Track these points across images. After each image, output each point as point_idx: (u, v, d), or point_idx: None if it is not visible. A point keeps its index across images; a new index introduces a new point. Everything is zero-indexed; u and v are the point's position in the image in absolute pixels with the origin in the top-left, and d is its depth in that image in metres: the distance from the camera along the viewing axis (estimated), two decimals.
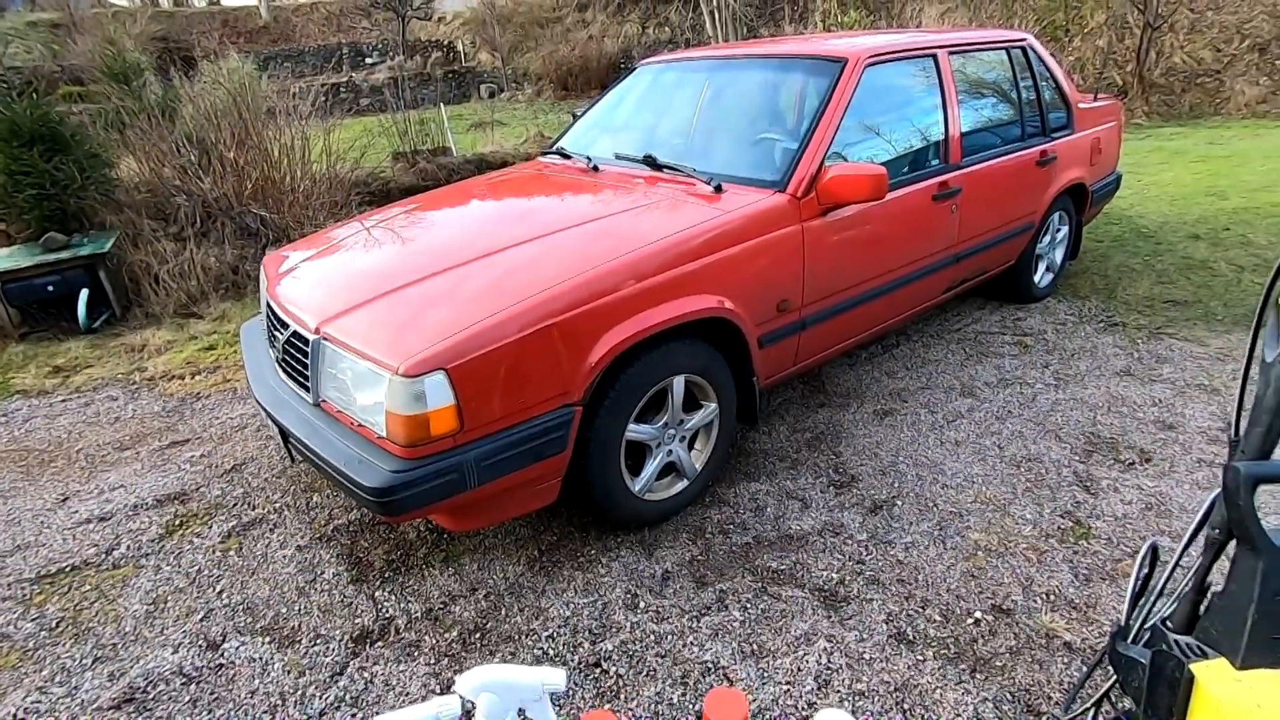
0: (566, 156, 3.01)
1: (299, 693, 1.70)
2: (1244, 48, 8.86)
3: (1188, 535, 1.17)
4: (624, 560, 2.07)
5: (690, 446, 2.26)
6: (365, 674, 1.74)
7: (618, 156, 2.80)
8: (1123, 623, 1.23)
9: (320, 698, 1.68)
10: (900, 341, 3.37)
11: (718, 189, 2.31)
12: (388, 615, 1.92)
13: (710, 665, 1.71)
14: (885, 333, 3.08)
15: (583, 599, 1.94)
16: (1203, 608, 1.09)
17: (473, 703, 0.64)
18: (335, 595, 2.00)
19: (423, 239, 2.43)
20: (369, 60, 15.63)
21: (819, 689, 1.64)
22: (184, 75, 5.77)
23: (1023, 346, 3.26)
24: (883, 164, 2.46)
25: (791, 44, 3.06)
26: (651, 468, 2.14)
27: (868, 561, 2.02)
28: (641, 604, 1.91)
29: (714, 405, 2.23)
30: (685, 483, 2.24)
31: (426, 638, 1.84)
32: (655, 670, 1.71)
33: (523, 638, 1.82)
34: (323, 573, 2.09)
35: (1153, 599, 1.24)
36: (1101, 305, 3.63)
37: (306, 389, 1.96)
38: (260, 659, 1.80)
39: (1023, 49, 3.32)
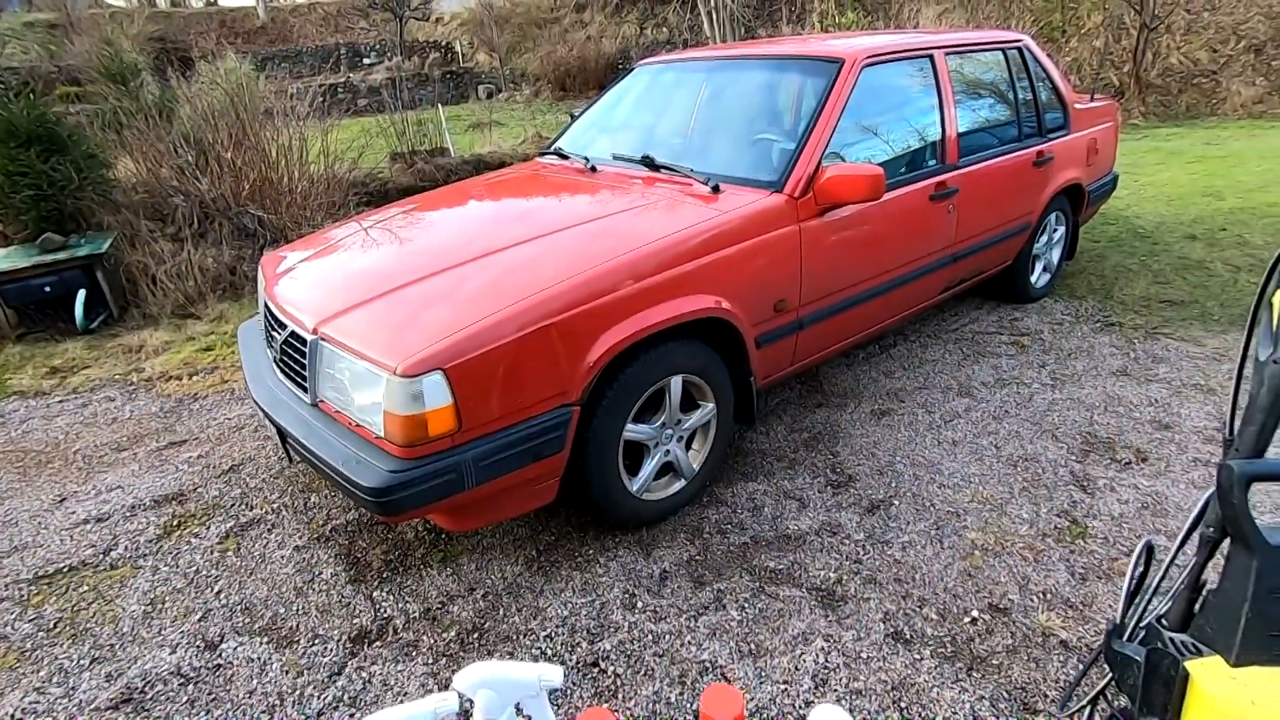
0: (564, 157, 3.02)
1: (297, 693, 1.70)
2: (1240, 48, 8.88)
3: (1182, 534, 1.17)
4: (622, 560, 2.07)
5: (688, 446, 2.26)
6: (363, 674, 1.74)
7: (615, 157, 2.80)
8: (1118, 621, 1.24)
9: (318, 698, 1.68)
10: (898, 341, 3.37)
11: (715, 189, 2.32)
12: (386, 615, 1.92)
13: (708, 664, 1.72)
14: (883, 333, 3.08)
15: (581, 599, 1.94)
16: (1197, 606, 1.09)
17: (471, 699, 0.64)
18: (333, 595, 2.00)
19: (421, 239, 2.43)
20: (367, 61, 15.62)
21: (816, 688, 1.65)
22: (181, 76, 5.77)
23: (1020, 346, 3.27)
24: (880, 164, 2.48)
25: (789, 44, 3.06)
26: (649, 468, 2.14)
27: (865, 561, 2.02)
28: (639, 604, 1.91)
29: (711, 405, 2.23)
30: (683, 482, 2.24)
31: (424, 638, 1.84)
32: (653, 670, 1.71)
33: (521, 638, 1.83)
34: (321, 573, 2.09)
35: (1148, 597, 1.25)
36: (1098, 305, 3.64)
37: (304, 389, 1.97)
38: (258, 659, 1.80)
39: (1019, 49, 3.33)
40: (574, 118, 3.42)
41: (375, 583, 2.04)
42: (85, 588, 2.08)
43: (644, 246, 1.99)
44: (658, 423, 2.11)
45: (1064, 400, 2.79)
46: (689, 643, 1.78)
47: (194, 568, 2.14)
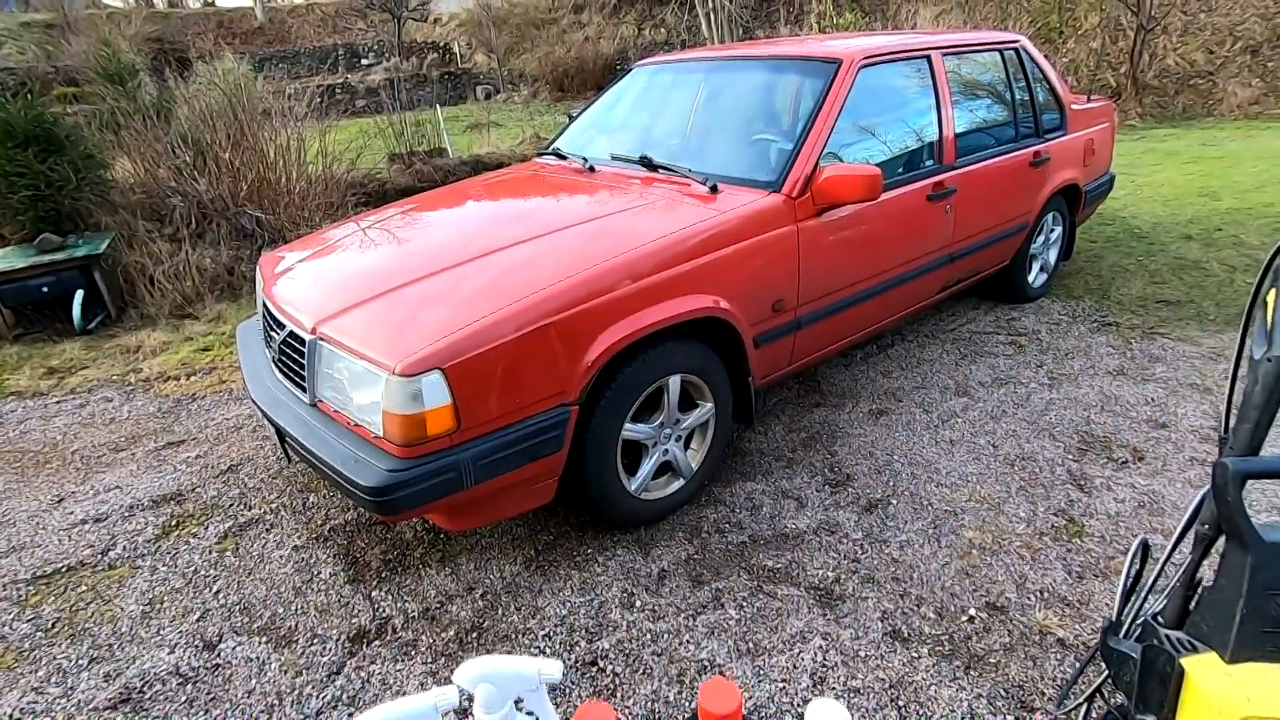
0: (563, 157, 3.02)
1: (296, 692, 1.70)
2: (1236, 50, 8.91)
3: (1178, 531, 1.18)
4: (620, 559, 2.08)
5: (686, 446, 2.27)
6: (362, 673, 1.74)
7: (614, 157, 2.81)
8: (1114, 618, 1.25)
9: (317, 697, 1.69)
10: (895, 341, 3.38)
11: (713, 189, 2.32)
12: (384, 615, 1.92)
13: (706, 663, 1.72)
14: (880, 333, 3.09)
15: (579, 598, 1.94)
16: (1193, 603, 1.10)
17: (471, 693, 0.64)
18: (332, 595, 2.00)
19: (419, 239, 2.43)
20: (365, 61, 15.62)
21: (814, 686, 1.65)
22: (179, 76, 5.76)
23: (1017, 346, 3.28)
24: (877, 164, 2.49)
25: (787, 45, 3.07)
26: (648, 467, 2.14)
27: (863, 560, 2.03)
28: (638, 603, 1.92)
29: (710, 405, 2.23)
30: (681, 482, 2.25)
31: (423, 637, 1.84)
32: (651, 668, 1.71)
33: (519, 637, 1.83)
34: (319, 573, 2.09)
35: (1144, 595, 1.25)
36: (1095, 305, 3.65)
37: (303, 389, 1.97)
38: (257, 659, 1.80)
39: (1016, 50, 3.34)
40: (572, 118, 3.42)
41: (374, 582, 2.04)
42: (83, 588, 2.08)
43: (642, 246, 1.99)
44: (656, 422, 2.12)
45: (1061, 400, 2.80)
46: (687, 641, 1.78)
47: (192, 568, 2.14)
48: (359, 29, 17.29)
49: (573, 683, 1.69)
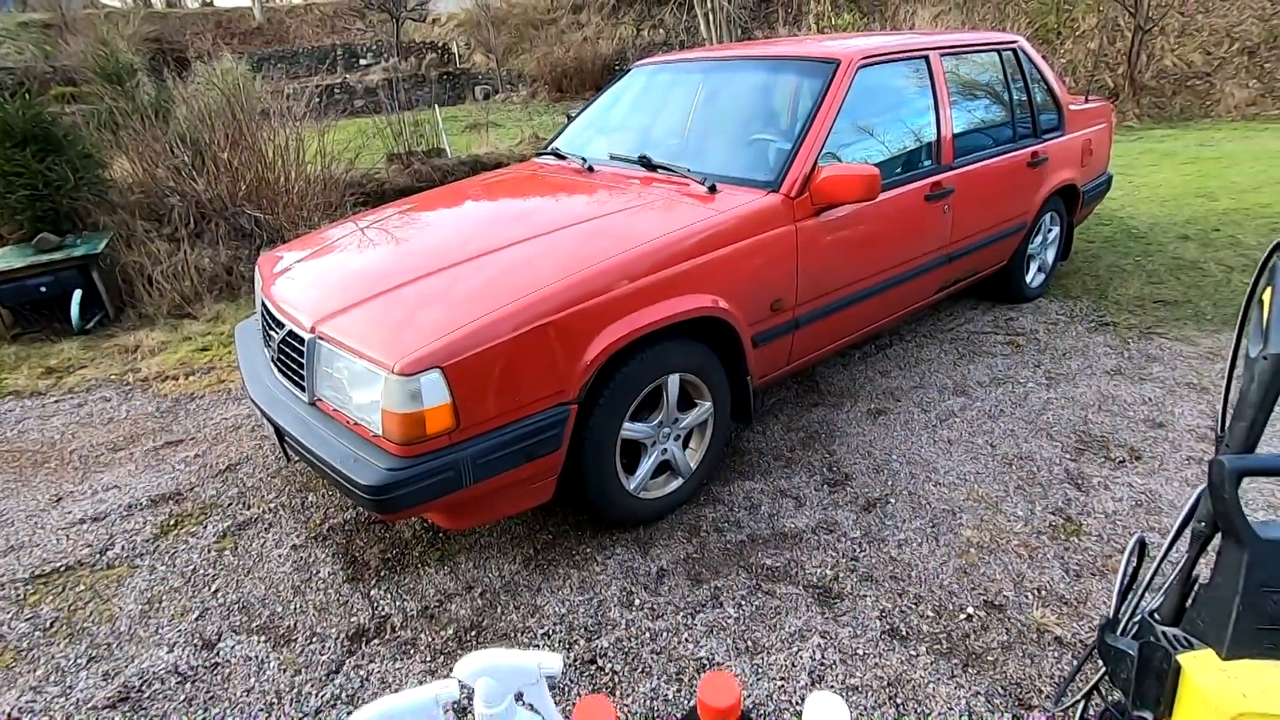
0: (561, 157, 3.03)
1: (295, 691, 1.70)
2: (1234, 51, 8.94)
3: (1175, 529, 1.19)
4: (619, 558, 2.08)
5: (685, 445, 2.27)
6: (361, 672, 1.74)
7: (612, 157, 2.81)
8: (1111, 615, 1.25)
9: (316, 696, 1.69)
10: (893, 341, 3.39)
11: (712, 189, 2.33)
12: (383, 614, 1.92)
13: (705, 661, 1.72)
14: (878, 332, 3.10)
15: (578, 596, 1.95)
16: (1189, 600, 1.10)
17: (471, 687, 0.65)
18: (331, 594, 2.00)
19: (418, 239, 2.44)
20: (363, 62, 15.61)
21: (813, 684, 1.66)
22: (177, 76, 5.75)
23: (1014, 346, 3.29)
24: (876, 165, 2.49)
25: (785, 46, 3.07)
26: (646, 466, 2.14)
27: (861, 559, 2.03)
28: (637, 601, 1.92)
29: (708, 404, 2.24)
30: (680, 481, 2.25)
31: (422, 636, 1.84)
32: (650, 667, 1.71)
33: (519, 635, 1.83)
34: (318, 571, 2.09)
35: (1141, 592, 1.26)
36: (1092, 305, 3.66)
37: (302, 388, 1.97)
38: (256, 658, 1.80)
39: (1014, 51, 3.35)
40: (571, 118, 3.43)
41: (373, 581, 2.04)
42: (82, 587, 2.08)
43: (641, 246, 2.00)
44: (655, 421, 2.12)
45: (1059, 399, 2.81)
46: (686, 640, 1.79)
47: (191, 567, 2.14)
48: (357, 29, 17.28)
49: (572, 681, 1.69)
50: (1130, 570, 1.27)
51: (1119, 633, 1.21)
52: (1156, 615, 1.14)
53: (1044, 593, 1.88)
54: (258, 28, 17.28)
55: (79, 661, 1.82)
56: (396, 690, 1.68)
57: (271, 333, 2.16)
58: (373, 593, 1.99)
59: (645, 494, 2.17)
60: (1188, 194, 5.44)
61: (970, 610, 1.84)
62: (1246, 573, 0.96)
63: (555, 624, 1.86)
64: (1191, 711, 0.98)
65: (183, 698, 1.70)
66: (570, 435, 1.89)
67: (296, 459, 2.06)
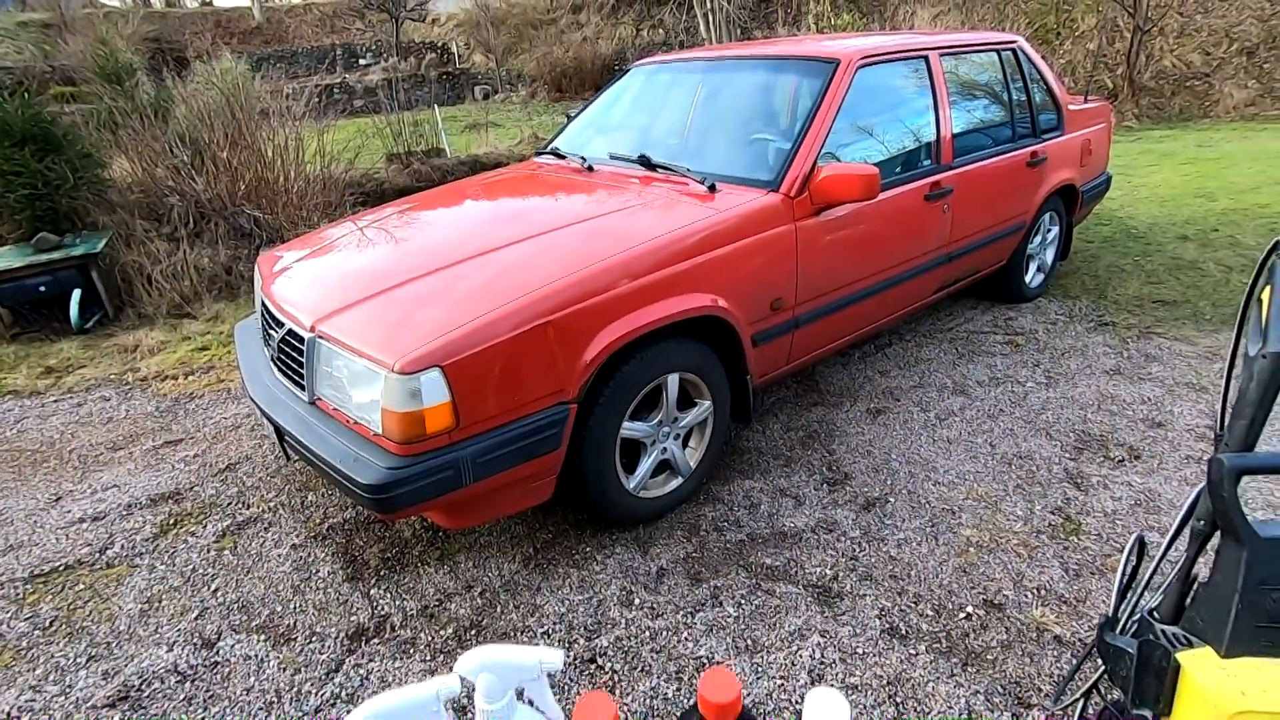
0: (561, 156, 3.03)
1: (294, 690, 1.70)
2: (1232, 51, 8.95)
3: (1174, 527, 1.19)
4: (619, 557, 2.08)
5: (685, 444, 2.27)
6: (361, 671, 1.74)
7: (612, 156, 2.81)
8: (1111, 614, 1.25)
9: (316, 694, 1.69)
10: (893, 341, 3.39)
11: (712, 188, 2.33)
12: (383, 613, 1.92)
13: (705, 660, 1.72)
14: (878, 332, 3.10)
15: (578, 595, 1.95)
16: (1188, 598, 1.10)
17: (472, 682, 0.65)
18: (330, 593, 2.00)
19: (418, 238, 2.44)
20: (363, 61, 15.61)
21: (813, 683, 1.66)
22: (176, 76, 5.75)
23: (1014, 345, 3.29)
24: (875, 164, 2.49)
25: (785, 45, 3.08)
26: (646, 465, 2.15)
27: (861, 558, 2.03)
28: (636, 600, 1.92)
29: (708, 403, 2.24)
30: (680, 480, 2.25)
31: (422, 635, 1.84)
32: (650, 666, 1.72)
33: (518, 634, 1.83)
34: (318, 571, 2.09)
35: (1140, 590, 1.26)
36: (1092, 305, 3.67)
37: (302, 387, 1.97)
38: (255, 656, 1.80)
39: (1013, 51, 3.35)
40: (570, 118, 3.43)
41: (372, 580, 2.04)
42: (81, 586, 2.08)
43: (640, 245, 2.00)
44: (655, 420, 2.12)
45: (1058, 399, 2.81)
46: (686, 639, 1.79)
47: (190, 566, 2.14)
48: (357, 29, 17.28)
49: (571, 679, 1.69)
50: (1130, 569, 1.28)
51: (1118, 631, 1.21)
52: (1156, 613, 1.14)
53: (1043, 592, 1.88)
54: (257, 27, 17.27)
55: (78, 660, 1.82)
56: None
57: (271, 332, 2.16)
58: (372, 592, 1.99)
59: (645, 493, 2.17)
60: (1186, 194, 5.45)
61: (970, 609, 1.84)
62: (1245, 571, 0.96)
63: (555, 623, 1.86)
64: (1191, 709, 0.98)
65: (182, 697, 1.70)
66: (570, 434, 1.89)
67: (296, 458, 2.06)
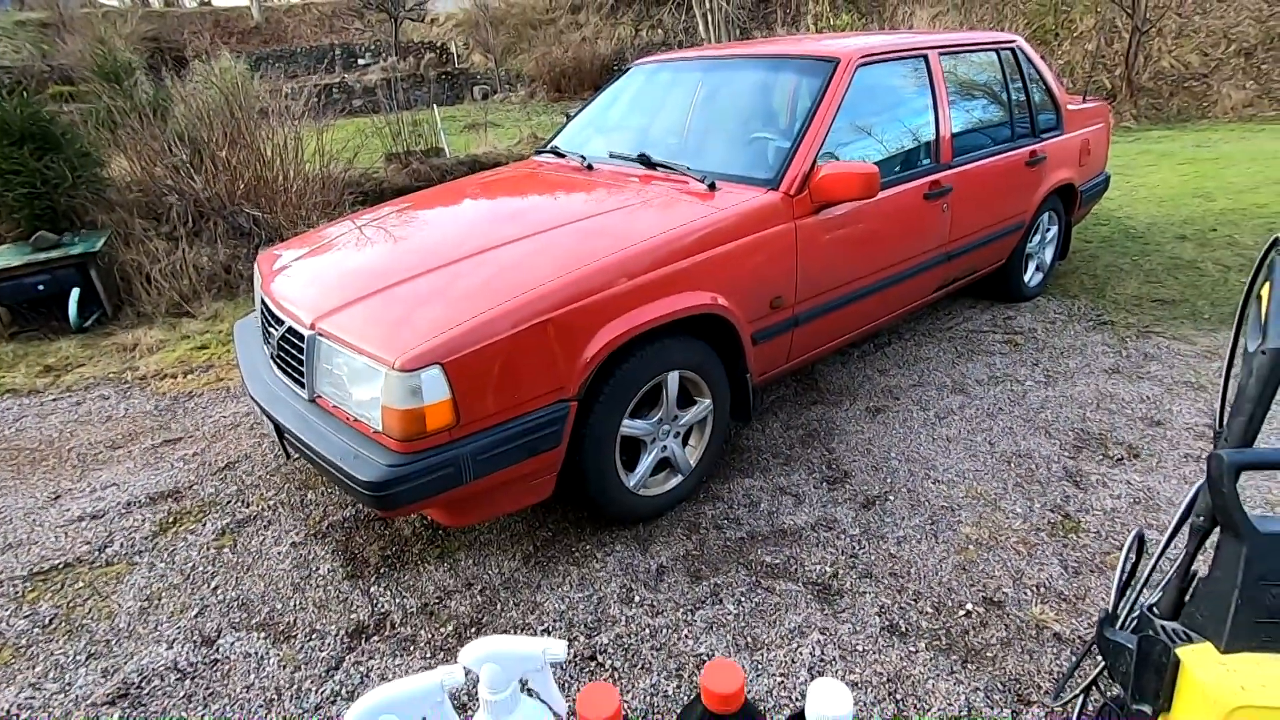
0: (561, 155, 3.03)
1: (294, 687, 1.70)
2: (1230, 52, 8.96)
3: (1173, 523, 1.19)
4: (619, 555, 2.08)
5: (684, 442, 2.27)
6: (361, 668, 1.74)
7: (612, 155, 2.81)
8: (1110, 610, 1.25)
9: (316, 692, 1.69)
10: (892, 339, 3.39)
11: (711, 187, 2.33)
12: (383, 610, 1.92)
13: (705, 658, 1.72)
14: (877, 330, 3.10)
15: (578, 593, 1.95)
16: (1188, 594, 1.11)
17: (476, 673, 0.65)
18: (330, 591, 2.00)
19: (417, 237, 2.44)
20: (361, 61, 15.60)
21: (813, 680, 1.66)
22: (175, 75, 5.75)
23: (1013, 344, 3.29)
24: (875, 163, 2.49)
25: (784, 45, 3.08)
26: (646, 463, 2.15)
27: (860, 555, 2.04)
28: (636, 598, 1.92)
29: (708, 401, 2.24)
30: (680, 478, 2.25)
31: (422, 632, 1.84)
32: (650, 663, 1.72)
33: (518, 632, 1.83)
34: (318, 568, 2.09)
35: (1139, 587, 1.26)
36: (1091, 304, 3.67)
37: (302, 385, 1.97)
38: (255, 654, 1.80)
39: (1012, 51, 3.36)
40: (570, 117, 3.43)
41: (372, 578, 2.04)
42: (81, 584, 2.08)
43: (640, 243, 2.00)
44: (655, 419, 2.12)
45: (1057, 397, 2.82)
46: (686, 636, 1.79)
47: (190, 564, 2.14)
48: (356, 29, 17.28)
49: (571, 677, 1.69)
50: (1129, 565, 1.28)
51: (1118, 627, 1.21)
52: (1155, 609, 1.14)
53: (1043, 589, 1.89)
54: (256, 27, 17.26)
55: (78, 658, 1.82)
56: None
57: (271, 330, 2.16)
58: (372, 589, 1.99)
59: (645, 491, 2.17)
60: (1185, 194, 5.46)
61: (969, 607, 1.84)
62: (1245, 566, 0.97)
63: (555, 621, 1.86)
64: (1190, 705, 0.99)
65: (182, 694, 1.70)
66: (570, 432, 1.89)
67: (296, 456, 2.06)
